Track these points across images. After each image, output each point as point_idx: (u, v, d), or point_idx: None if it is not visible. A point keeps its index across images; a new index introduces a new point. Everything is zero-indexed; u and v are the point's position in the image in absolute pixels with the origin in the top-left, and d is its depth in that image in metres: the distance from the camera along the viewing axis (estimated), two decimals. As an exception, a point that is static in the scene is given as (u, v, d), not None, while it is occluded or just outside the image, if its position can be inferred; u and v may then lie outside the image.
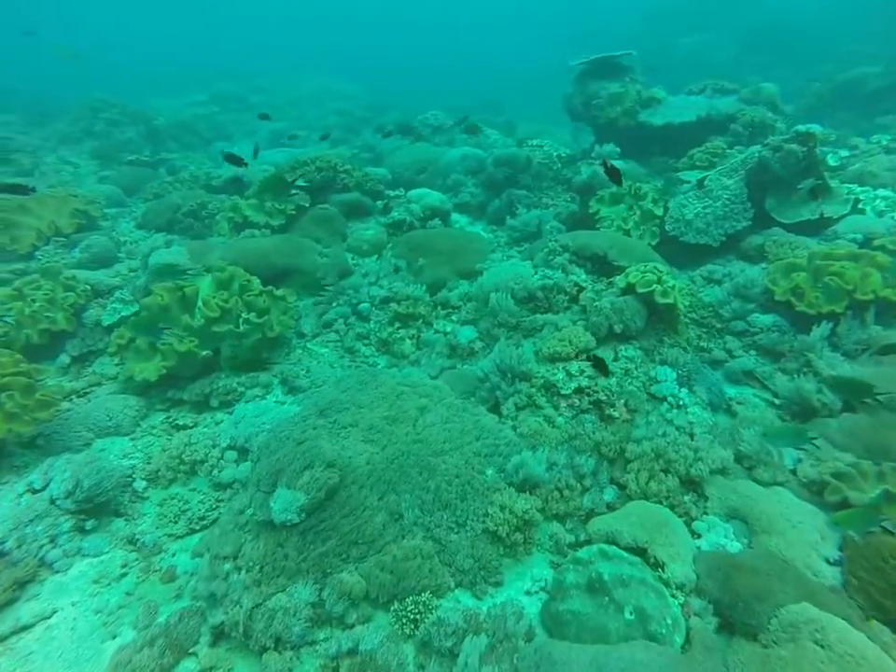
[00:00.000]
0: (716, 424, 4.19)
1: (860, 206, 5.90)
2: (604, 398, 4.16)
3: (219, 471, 4.13)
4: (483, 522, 3.39)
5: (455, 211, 8.68)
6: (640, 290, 4.57)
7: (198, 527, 3.81)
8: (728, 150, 7.12)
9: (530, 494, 3.56)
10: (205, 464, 4.15)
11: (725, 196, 6.18)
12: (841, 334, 4.57)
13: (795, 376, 4.57)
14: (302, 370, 5.21)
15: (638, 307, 4.61)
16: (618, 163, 6.94)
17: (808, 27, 18.06)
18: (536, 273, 5.43)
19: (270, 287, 5.43)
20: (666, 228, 6.14)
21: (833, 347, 4.64)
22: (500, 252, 6.86)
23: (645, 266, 4.76)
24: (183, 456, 4.16)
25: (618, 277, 4.89)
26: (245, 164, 6.61)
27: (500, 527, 3.31)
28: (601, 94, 8.30)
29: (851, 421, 4.05)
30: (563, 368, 4.43)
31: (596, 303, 4.77)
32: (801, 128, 5.69)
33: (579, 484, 3.57)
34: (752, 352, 5.04)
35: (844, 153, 6.90)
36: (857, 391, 3.95)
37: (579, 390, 4.26)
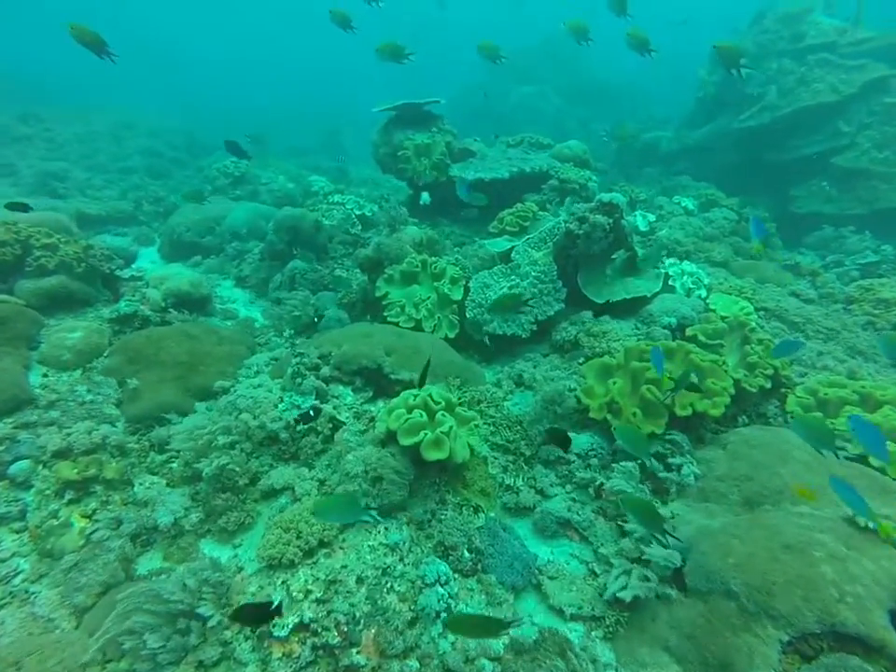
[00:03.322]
0: (513, 640, 2.84)
1: (669, 283, 5.26)
2: (337, 639, 2.60)
3: None
4: None
5: (238, 286, 6.89)
6: (404, 442, 3.16)
7: None
8: (540, 213, 6.29)
9: None
10: None
11: (534, 273, 5.19)
12: (654, 468, 3.57)
13: (615, 525, 3.50)
14: None
15: (403, 465, 3.18)
16: (412, 230, 5.72)
17: (623, 88, 19.39)
18: (282, 401, 3.83)
19: None
20: (467, 315, 4.96)
21: (647, 479, 3.64)
22: (271, 350, 5.18)
23: (414, 397, 3.39)
24: None
25: (380, 414, 3.46)
26: None
27: None
28: (406, 145, 7.17)
29: (685, 613, 2.96)
30: (283, 582, 2.82)
31: (347, 459, 3.27)
32: (604, 197, 4.90)
33: None
34: (569, 486, 3.90)
35: (651, 217, 6.46)
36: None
37: (301, 626, 2.66)
